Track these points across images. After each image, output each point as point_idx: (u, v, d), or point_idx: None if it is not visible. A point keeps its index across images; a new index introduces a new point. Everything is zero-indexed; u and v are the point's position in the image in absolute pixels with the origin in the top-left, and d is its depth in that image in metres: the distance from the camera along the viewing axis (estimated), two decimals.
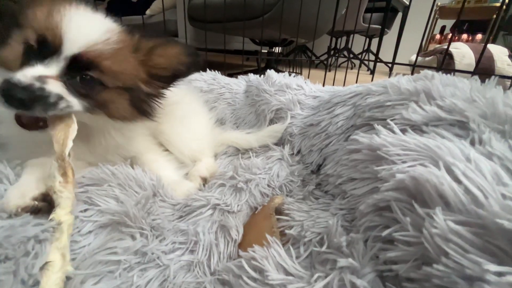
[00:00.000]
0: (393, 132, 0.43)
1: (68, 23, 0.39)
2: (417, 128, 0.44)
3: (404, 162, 0.36)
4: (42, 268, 0.31)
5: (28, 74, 0.36)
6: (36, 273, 0.31)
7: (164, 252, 0.39)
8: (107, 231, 0.41)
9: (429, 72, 0.50)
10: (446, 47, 2.49)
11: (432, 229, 0.25)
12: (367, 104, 0.55)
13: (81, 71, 0.41)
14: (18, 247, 0.32)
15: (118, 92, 0.47)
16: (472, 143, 0.36)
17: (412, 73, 0.60)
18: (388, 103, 0.50)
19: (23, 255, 0.32)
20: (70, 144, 0.40)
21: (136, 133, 0.54)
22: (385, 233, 0.30)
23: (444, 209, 0.27)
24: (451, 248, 0.24)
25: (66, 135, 0.40)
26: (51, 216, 0.35)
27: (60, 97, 0.38)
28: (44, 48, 0.39)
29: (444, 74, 0.49)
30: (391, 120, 0.46)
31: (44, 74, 0.38)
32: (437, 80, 0.47)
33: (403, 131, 0.43)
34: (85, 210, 0.42)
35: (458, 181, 0.27)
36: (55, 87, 0.38)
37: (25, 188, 0.39)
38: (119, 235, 0.40)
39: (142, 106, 0.51)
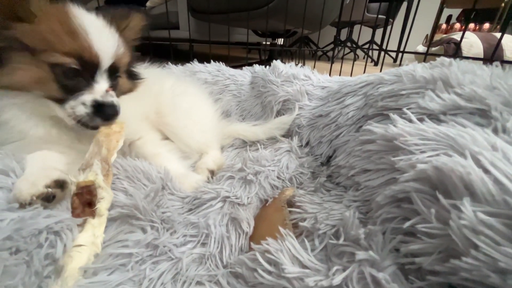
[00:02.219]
0: (410, 121, 0.41)
1: (95, 38, 0.43)
2: (434, 117, 0.43)
3: (423, 152, 0.35)
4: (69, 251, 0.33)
5: (110, 97, 0.45)
6: (51, 264, 0.32)
7: (176, 245, 0.39)
8: (116, 224, 0.40)
9: (446, 59, 0.48)
10: (452, 36, 2.44)
11: (460, 221, 0.24)
12: (380, 94, 0.53)
13: (113, 75, 0.48)
14: (30, 239, 0.32)
15: (123, 75, 0.54)
16: (495, 131, 0.34)
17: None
18: (403, 92, 0.48)
19: (36, 247, 0.32)
20: (115, 155, 0.46)
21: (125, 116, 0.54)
22: (406, 225, 0.29)
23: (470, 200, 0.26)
24: (481, 240, 0.22)
25: (114, 146, 0.46)
26: (97, 205, 0.38)
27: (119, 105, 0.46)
28: (86, 67, 0.43)
29: (461, 61, 0.47)
30: (407, 109, 0.44)
31: (107, 90, 0.46)
32: (455, 67, 0.45)
33: (420, 120, 0.42)
34: None
35: (486, 171, 0.26)
36: (116, 98, 0.46)
37: (34, 178, 0.38)
38: (130, 228, 0.39)
39: (133, 74, 0.59)
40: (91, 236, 0.36)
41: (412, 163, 0.33)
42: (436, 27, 2.73)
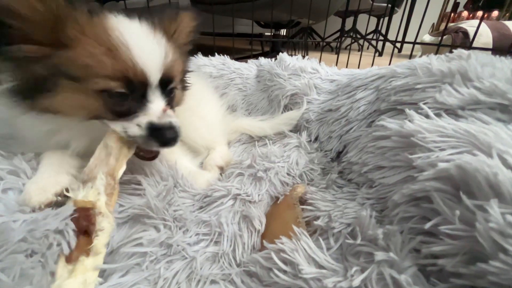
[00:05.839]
0: (427, 116, 0.40)
1: (138, 52, 0.36)
2: (451, 113, 0.41)
3: (442, 149, 0.34)
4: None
5: (168, 118, 0.39)
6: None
7: (189, 244, 0.39)
8: (129, 224, 0.40)
9: (464, 51, 0.46)
10: (460, 25, 2.37)
11: (488, 223, 0.23)
12: (393, 88, 0.52)
13: (167, 88, 0.43)
14: (43, 241, 0.32)
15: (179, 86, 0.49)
16: None
17: (436, 54, 0.56)
18: (418, 86, 0.46)
19: (47, 248, 0.31)
20: (124, 166, 0.40)
21: None
22: (427, 226, 0.28)
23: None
24: (510, 244, 0.22)
25: (125, 154, 0.40)
26: (94, 241, 0.32)
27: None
28: (134, 88, 0.38)
29: (480, 53, 0.46)
30: (423, 104, 0.43)
31: (164, 109, 0.40)
32: (473, 60, 0.44)
33: (437, 115, 0.40)
34: None
35: None
36: (176, 119, 0.41)
37: (45, 183, 0.38)
38: (143, 226, 0.39)
39: (185, 84, 0.54)
40: (81, 284, 0.29)
41: (432, 162, 0.32)
42: (450, 16, 2.64)
